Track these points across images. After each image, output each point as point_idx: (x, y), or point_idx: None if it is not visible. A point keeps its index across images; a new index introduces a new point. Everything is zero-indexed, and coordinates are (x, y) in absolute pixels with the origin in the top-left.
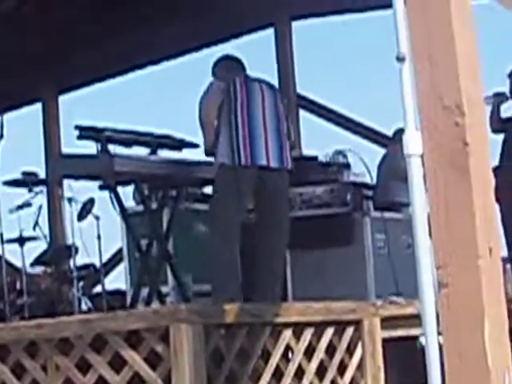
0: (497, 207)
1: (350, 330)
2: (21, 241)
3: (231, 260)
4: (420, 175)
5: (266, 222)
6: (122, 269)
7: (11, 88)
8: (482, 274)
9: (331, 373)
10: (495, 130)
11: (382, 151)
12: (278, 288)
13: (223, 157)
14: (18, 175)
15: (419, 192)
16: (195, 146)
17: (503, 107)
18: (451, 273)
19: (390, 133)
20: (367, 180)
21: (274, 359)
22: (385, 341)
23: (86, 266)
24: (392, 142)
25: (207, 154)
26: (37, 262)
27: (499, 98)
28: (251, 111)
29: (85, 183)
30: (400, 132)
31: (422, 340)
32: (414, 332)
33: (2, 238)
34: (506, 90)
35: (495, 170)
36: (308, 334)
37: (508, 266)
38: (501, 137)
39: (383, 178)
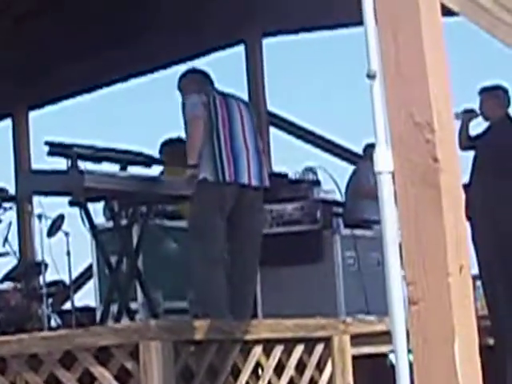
0: (467, 224)
1: (319, 347)
2: None
3: (219, 276)
4: (390, 192)
5: (240, 238)
6: (91, 285)
7: None
8: (453, 291)
9: None
10: (464, 148)
11: (352, 168)
12: (251, 302)
13: (205, 172)
14: None
15: (389, 209)
16: (165, 162)
17: (472, 124)
18: (421, 290)
19: (359, 150)
20: (337, 197)
21: (244, 376)
22: (355, 358)
23: (55, 283)
24: (361, 159)
25: (191, 166)
26: (6, 278)
27: (469, 115)
28: (232, 129)
29: (55, 199)
30: (370, 148)
31: (392, 357)
32: (383, 349)
33: None
34: (476, 106)
35: (466, 187)
36: (278, 350)
37: (478, 283)
38: (471, 153)
39: (352, 196)
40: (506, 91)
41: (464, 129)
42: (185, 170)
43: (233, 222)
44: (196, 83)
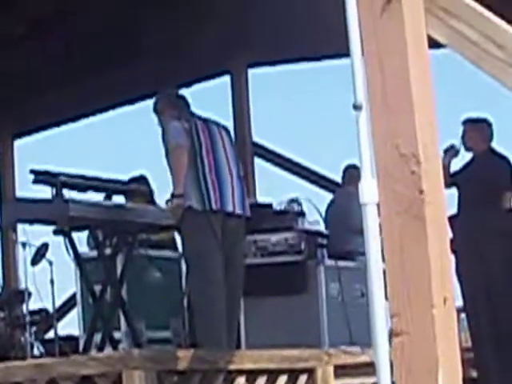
0: (452, 257)
1: (303, 378)
2: None
3: (219, 305)
4: (375, 223)
5: (228, 267)
6: (74, 314)
7: None
8: (437, 323)
9: None
10: (447, 185)
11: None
12: (235, 332)
13: (191, 200)
14: None
15: (374, 240)
16: (150, 192)
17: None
18: (405, 321)
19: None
20: (321, 228)
21: None
22: None
23: (38, 311)
24: (339, 188)
25: (177, 196)
26: None
27: (449, 155)
28: (216, 155)
29: (39, 227)
30: (350, 169)
31: None
32: (367, 381)
33: None
34: (457, 140)
35: (451, 219)
36: (261, 381)
37: (462, 315)
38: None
39: (334, 226)
40: (489, 125)
41: (446, 168)
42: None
43: (224, 250)
44: (174, 107)
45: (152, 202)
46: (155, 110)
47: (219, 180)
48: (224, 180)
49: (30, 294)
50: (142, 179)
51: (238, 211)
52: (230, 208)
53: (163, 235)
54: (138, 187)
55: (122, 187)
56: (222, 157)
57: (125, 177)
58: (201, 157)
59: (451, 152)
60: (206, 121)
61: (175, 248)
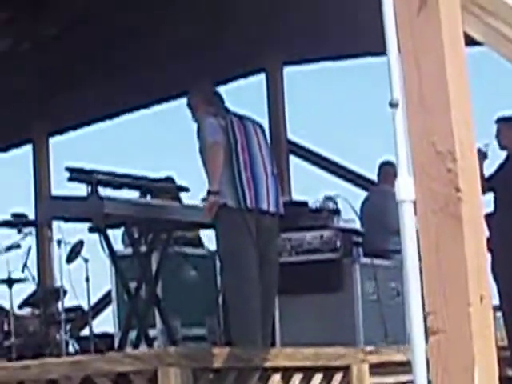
0: (488, 255)
1: (338, 376)
2: (9, 282)
3: (255, 299)
4: (412, 221)
5: (263, 265)
6: (110, 312)
7: (2, 129)
8: (473, 321)
9: None
10: (484, 191)
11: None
12: (270, 330)
13: (226, 198)
14: (7, 216)
15: (411, 238)
16: (185, 189)
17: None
18: (442, 320)
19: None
20: (357, 226)
21: None
22: None
23: (74, 309)
24: (374, 185)
25: (212, 193)
26: (25, 303)
27: (478, 157)
28: (251, 153)
29: (74, 225)
30: (385, 166)
31: None
32: (402, 379)
33: None
34: (485, 142)
35: (487, 218)
36: (297, 379)
37: (498, 314)
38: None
39: (369, 224)
40: None
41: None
42: None
43: (259, 248)
44: (209, 103)
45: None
46: (189, 105)
47: (254, 178)
48: (259, 178)
49: (65, 292)
50: (168, 180)
51: (272, 209)
52: (264, 206)
53: (189, 234)
54: (171, 186)
55: (156, 185)
56: (257, 154)
57: (156, 175)
58: (236, 154)
59: (479, 156)
60: (241, 118)
61: (201, 246)
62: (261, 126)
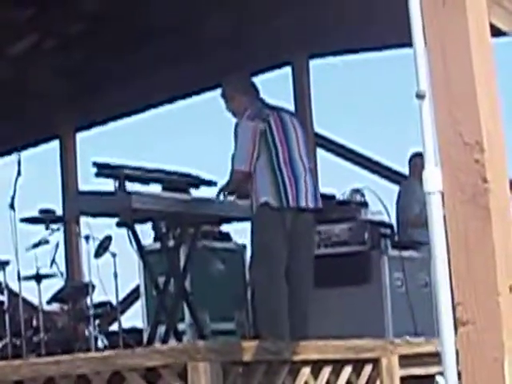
0: None
1: (368, 368)
2: (38, 278)
3: (283, 296)
4: (440, 212)
5: (297, 259)
6: (138, 306)
7: (29, 125)
8: (502, 310)
9: None
10: None
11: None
12: (307, 322)
13: (267, 196)
14: (35, 212)
15: (439, 229)
16: (213, 183)
17: None
18: (471, 310)
19: (405, 170)
20: (385, 219)
21: None
22: (403, 379)
23: (102, 304)
24: (405, 179)
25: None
26: (53, 299)
27: None
28: (290, 150)
29: (102, 220)
30: (416, 157)
31: (439, 379)
32: (432, 370)
33: (19, 276)
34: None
35: None
36: (326, 371)
37: None
38: None
39: (401, 217)
40: None
41: None
42: None
43: (290, 243)
44: (244, 93)
45: None
46: (223, 95)
47: (295, 176)
48: (299, 175)
49: (93, 287)
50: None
51: (311, 205)
52: (303, 203)
53: (226, 227)
54: (198, 180)
55: (183, 179)
56: (295, 151)
57: (187, 169)
58: (276, 154)
59: None
60: (278, 111)
61: (230, 239)
62: (297, 117)
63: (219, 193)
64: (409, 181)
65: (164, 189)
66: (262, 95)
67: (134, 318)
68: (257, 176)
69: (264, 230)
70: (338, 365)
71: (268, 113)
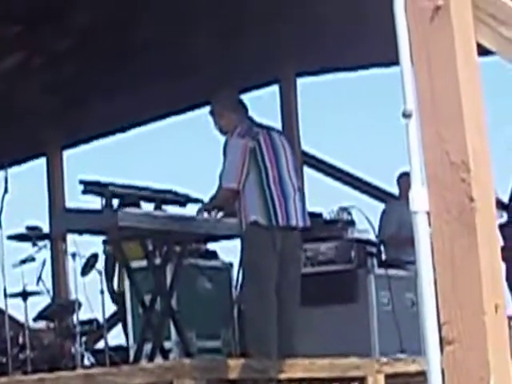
0: (503, 265)
1: None
2: (24, 295)
3: (272, 315)
4: (426, 231)
5: (286, 278)
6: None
7: (16, 142)
8: (488, 330)
9: None
10: None
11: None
12: (293, 340)
13: (256, 215)
14: (22, 229)
15: (425, 248)
16: (200, 201)
17: None
18: (457, 329)
19: (394, 189)
20: (371, 237)
21: None
22: None
23: (89, 321)
24: (391, 198)
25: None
26: (40, 316)
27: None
28: (279, 168)
29: (89, 238)
30: (404, 176)
31: None
32: None
33: (5, 293)
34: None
35: (502, 227)
36: None
37: None
38: None
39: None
40: None
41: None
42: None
43: (280, 261)
44: (233, 110)
45: None
46: (212, 112)
47: (284, 195)
48: (288, 195)
49: (80, 305)
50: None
51: (300, 224)
52: (293, 222)
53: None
54: (184, 198)
55: (170, 197)
56: (284, 169)
57: (174, 187)
58: (266, 173)
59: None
60: (268, 130)
61: (216, 258)
62: (285, 136)
63: (200, 210)
64: (393, 200)
65: (152, 206)
66: (251, 113)
67: (121, 335)
68: (246, 194)
69: (254, 249)
70: (323, 383)
71: (257, 131)
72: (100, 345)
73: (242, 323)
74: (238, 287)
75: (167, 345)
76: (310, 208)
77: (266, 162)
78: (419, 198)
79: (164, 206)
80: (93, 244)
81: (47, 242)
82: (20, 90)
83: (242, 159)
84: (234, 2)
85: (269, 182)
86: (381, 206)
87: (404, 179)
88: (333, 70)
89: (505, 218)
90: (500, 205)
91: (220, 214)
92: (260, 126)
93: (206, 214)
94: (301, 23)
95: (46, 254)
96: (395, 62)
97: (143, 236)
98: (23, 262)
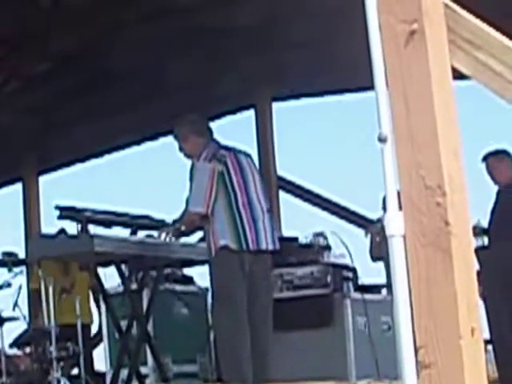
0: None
1: None
2: (0, 321)
3: (245, 339)
4: (402, 255)
5: (253, 302)
6: (101, 349)
7: None
8: (464, 353)
9: None
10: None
11: (361, 232)
12: (268, 365)
13: (226, 239)
14: None
15: (401, 272)
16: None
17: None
18: (433, 353)
19: (370, 214)
20: (347, 261)
21: None
22: None
23: (65, 347)
24: (371, 224)
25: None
26: (16, 342)
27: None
28: (248, 191)
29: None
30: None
31: None
32: None
33: None
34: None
35: (477, 251)
36: None
37: (489, 347)
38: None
39: None
40: (509, 154)
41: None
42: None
43: (250, 286)
44: (198, 133)
45: None
46: (176, 136)
47: (253, 218)
48: (257, 218)
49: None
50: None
51: (270, 247)
52: (263, 246)
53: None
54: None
55: (146, 222)
56: (253, 192)
57: (150, 212)
58: (235, 196)
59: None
60: (234, 152)
61: (192, 283)
62: (251, 157)
63: (161, 233)
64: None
65: (128, 231)
66: (216, 136)
67: (97, 361)
68: (214, 219)
69: (224, 274)
70: None
71: (224, 154)
72: (76, 370)
73: (217, 348)
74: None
75: (144, 370)
76: (285, 232)
77: (235, 185)
78: (395, 222)
79: (140, 232)
80: None
81: (23, 268)
82: None
83: (210, 183)
84: (210, 31)
85: (238, 206)
86: (357, 231)
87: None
88: (309, 95)
89: (485, 242)
90: (480, 230)
91: (173, 238)
92: (226, 148)
93: (163, 235)
94: (277, 48)
95: (21, 279)
96: (371, 86)
97: (119, 261)
98: None
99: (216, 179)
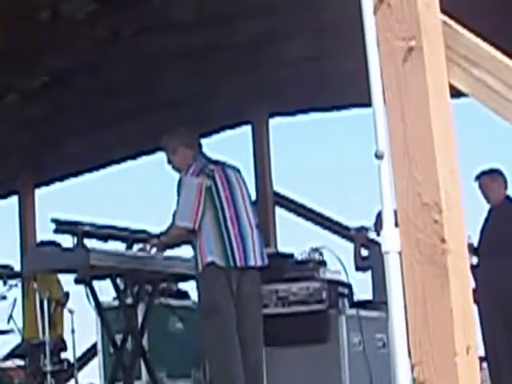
0: (474, 307)
1: None
2: None
3: (236, 354)
4: (397, 272)
5: (242, 318)
6: (96, 364)
7: None
8: (460, 371)
9: None
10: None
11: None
12: (260, 382)
13: (213, 256)
14: None
15: (396, 289)
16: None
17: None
18: (428, 370)
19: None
20: (343, 278)
21: None
22: None
23: (59, 361)
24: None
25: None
26: (10, 355)
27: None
28: (236, 207)
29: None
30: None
31: None
32: None
33: None
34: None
35: (473, 269)
36: None
37: (484, 364)
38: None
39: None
40: (502, 173)
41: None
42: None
43: (238, 302)
44: (187, 146)
45: None
46: (165, 148)
47: (241, 234)
48: (246, 234)
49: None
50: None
51: (259, 263)
52: (251, 262)
53: (184, 284)
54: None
55: (143, 236)
56: (241, 207)
57: (147, 226)
58: (223, 212)
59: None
60: (222, 166)
61: (188, 297)
62: (239, 172)
63: (145, 245)
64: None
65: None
66: (210, 151)
67: (92, 375)
68: (202, 234)
69: (211, 289)
70: None
71: (212, 168)
72: None
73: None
74: None
75: None
76: (281, 248)
77: (223, 200)
78: (391, 239)
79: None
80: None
81: (18, 281)
82: None
83: (198, 198)
84: (207, 45)
85: (226, 222)
86: (351, 247)
87: (380, 219)
88: (306, 111)
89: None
90: (471, 248)
91: (154, 250)
92: (214, 162)
93: (147, 247)
94: (273, 65)
95: (17, 292)
96: (368, 103)
97: (115, 275)
98: None
99: (204, 194)
